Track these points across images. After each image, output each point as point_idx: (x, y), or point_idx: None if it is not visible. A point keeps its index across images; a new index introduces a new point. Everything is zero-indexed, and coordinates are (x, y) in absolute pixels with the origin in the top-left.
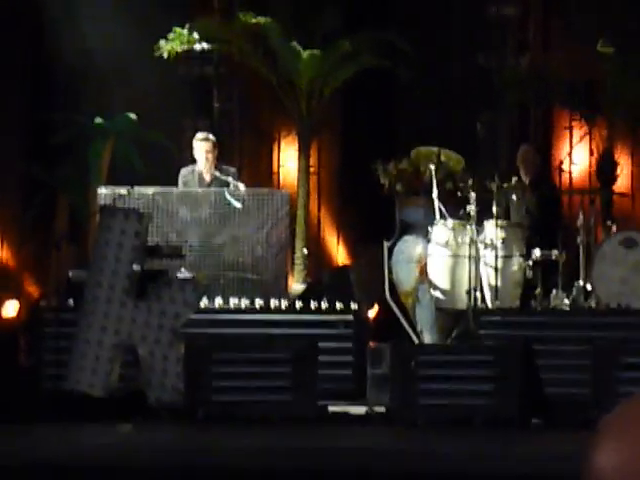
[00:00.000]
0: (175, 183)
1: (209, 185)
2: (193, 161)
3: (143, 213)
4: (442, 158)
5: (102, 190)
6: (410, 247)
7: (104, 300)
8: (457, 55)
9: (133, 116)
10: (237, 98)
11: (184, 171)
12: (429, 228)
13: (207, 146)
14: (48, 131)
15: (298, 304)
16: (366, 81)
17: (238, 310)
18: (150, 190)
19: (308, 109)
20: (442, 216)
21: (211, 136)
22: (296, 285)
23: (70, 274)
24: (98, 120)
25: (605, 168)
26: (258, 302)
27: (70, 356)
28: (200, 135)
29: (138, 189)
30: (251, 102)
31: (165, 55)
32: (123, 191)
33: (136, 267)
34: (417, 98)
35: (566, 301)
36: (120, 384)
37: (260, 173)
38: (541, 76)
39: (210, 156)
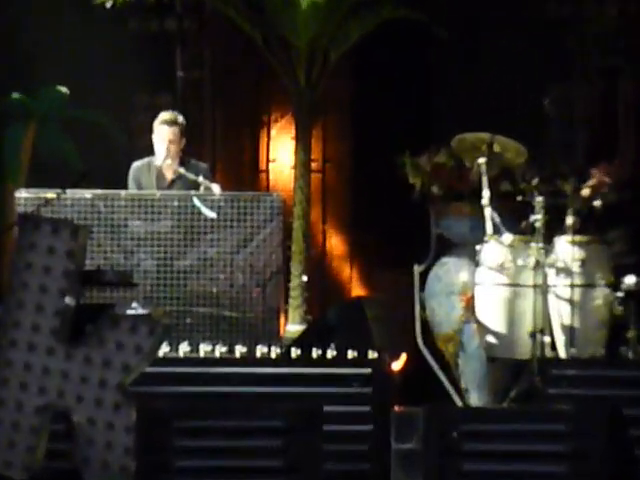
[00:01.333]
0: (123, 184)
1: (171, 186)
2: (149, 152)
3: (79, 225)
4: (496, 148)
5: (22, 193)
6: (451, 273)
7: (24, 346)
8: (516, 6)
9: (64, 90)
10: (209, 65)
11: (137, 166)
12: (477, 247)
13: (172, 132)
14: None
15: (294, 352)
16: (388, 42)
17: (211, 361)
18: (88, 193)
19: (308, 81)
20: (496, 229)
21: (180, 118)
22: (292, 325)
23: None
24: (15, 95)
25: None
26: (239, 349)
27: None
28: (163, 116)
29: (72, 192)
30: (229, 70)
31: (108, 4)
32: (51, 195)
33: (69, 300)
34: (460, 66)
35: None
36: (47, 463)
37: (242, 170)
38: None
39: (174, 146)
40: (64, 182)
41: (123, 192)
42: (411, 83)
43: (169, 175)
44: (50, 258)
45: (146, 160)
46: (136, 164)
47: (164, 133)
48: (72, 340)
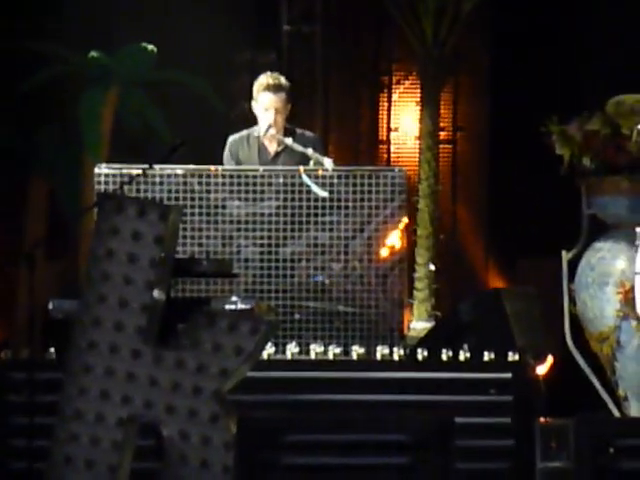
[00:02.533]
0: (221, 159)
1: (274, 161)
2: (251, 122)
3: (169, 206)
4: None
5: (102, 169)
6: (606, 260)
7: (106, 348)
8: None
9: (150, 48)
10: (321, 18)
11: (234, 140)
12: (637, 229)
13: (277, 99)
14: (16, 71)
15: (421, 354)
16: None
17: (323, 364)
18: (180, 169)
19: (436, 36)
20: None
21: (283, 80)
22: (418, 323)
23: (50, 305)
24: (94, 54)
25: None
26: (356, 351)
27: (51, 440)
28: (265, 79)
29: (161, 168)
30: (344, 25)
31: None
32: (136, 171)
33: (158, 294)
34: (617, 14)
35: None
36: None
37: (359, 141)
38: None
39: (279, 116)
40: (152, 156)
41: (220, 168)
42: (560, 36)
43: (272, 148)
44: (135, 245)
45: (245, 132)
46: (233, 137)
47: (267, 101)
48: (161, 341)
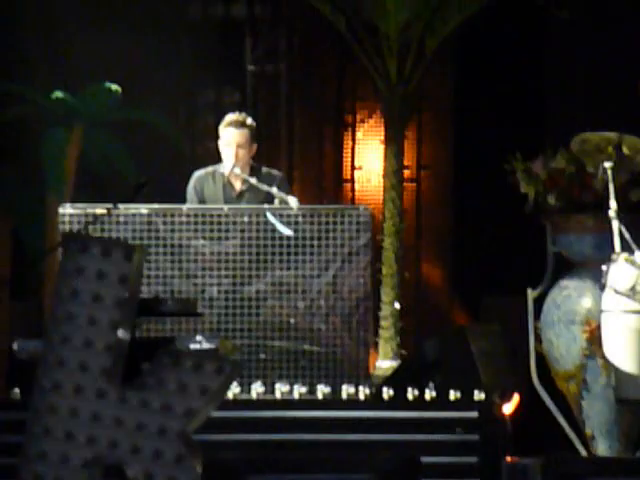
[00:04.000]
0: (185, 197)
1: (239, 199)
2: (215, 160)
3: (134, 246)
4: (624, 150)
5: (66, 208)
6: (571, 299)
7: (70, 389)
8: None
9: (115, 88)
10: (284, 56)
11: (199, 176)
12: (603, 267)
13: (240, 135)
14: None
15: (387, 393)
16: (494, 26)
17: (289, 404)
18: (145, 208)
19: (400, 74)
20: (625, 247)
21: (249, 120)
22: (383, 361)
23: (15, 345)
24: (58, 94)
25: None
26: (322, 390)
27: None
28: (230, 117)
29: (125, 207)
30: (307, 62)
31: None
32: (100, 210)
33: (122, 334)
34: (579, 53)
35: None
36: None
37: (322, 179)
38: None
39: (243, 152)
40: (116, 196)
41: (185, 207)
42: (521, 75)
43: (237, 186)
44: (100, 284)
45: (210, 169)
46: (198, 173)
47: (231, 137)
48: (126, 381)
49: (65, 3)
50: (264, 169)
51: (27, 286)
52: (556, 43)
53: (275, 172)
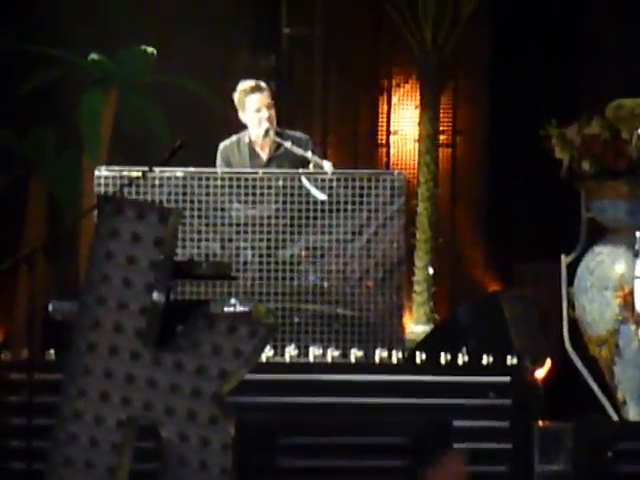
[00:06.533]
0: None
1: (267, 166)
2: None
3: (169, 209)
4: None
5: (102, 172)
6: (605, 264)
7: (105, 350)
8: None
9: (150, 51)
10: (320, 19)
11: (225, 146)
12: (637, 233)
13: (267, 97)
14: (15, 73)
15: (419, 357)
16: None
17: (322, 367)
18: (180, 172)
19: (436, 39)
20: None
21: (262, 83)
22: (416, 326)
23: (50, 307)
24: (95, 56)
25: None
26: (354, 354)
27: (51, 443)
28: (246, 84)
29: (160, 170)
30: (343, 28)
31: None
32: (136, 173)
33: (157, 296)
34: (616, 19)
35: None
36: None
37: (358, 144)
38: None
39: (273, 113)
40: (151, 159)
41: (220, 170)
42: (559, 40)
43: (265, 153)
44: (135, 247)
45: (234, 138)
46: (224, 143)
47: (259, 101)
48: (160, 343)
49: None
50: (289, 132)
51: (62, 248)
52: (593, 7)
53: (301, 135)
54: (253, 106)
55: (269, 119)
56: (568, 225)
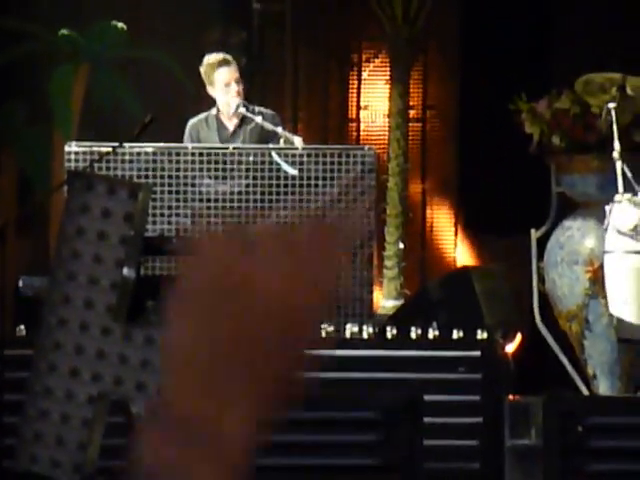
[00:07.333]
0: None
1: (234, 136)
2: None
3: (139, 184)
4: (629, 91)
5: (72, 147)
6: (574, 239)
7: (76, 326)
8: None
9: (120, 26)
10: None
11: (193, 123)
12: (606, 207)
13: (235, 71)
14: None
15: (390, 332)
16: None
17: None
18: (150, 147)
19: (406, 13)
20: (628, 187)
21: (229, 57)
22: (387, 301)
23: (20, 282)
24: (65, 32)
25: None
26: (325, 329)
27: (21, 419)
28: (215, 57)
29: (130, 145)
30: (312, 3)
31: None
32: (106, 149)
33: (127, 272)
34: None
35: None
36: (102, 462)
37: (327, 119)
38: None
39: (241, 86)
40: (122, 134)
41: (190, 145)
42: (527, 15)
43: (231, 124)
44: (105, 223)
45: (203, 115)
46: (192, 121)
47: (228, 75)
48: (131, 319)
49: None
50: (256, 108)
51: (33, 224)
52: None
53: (268, 111)
54: (222, 80)
55: (238, 93)
56: (538, 199)
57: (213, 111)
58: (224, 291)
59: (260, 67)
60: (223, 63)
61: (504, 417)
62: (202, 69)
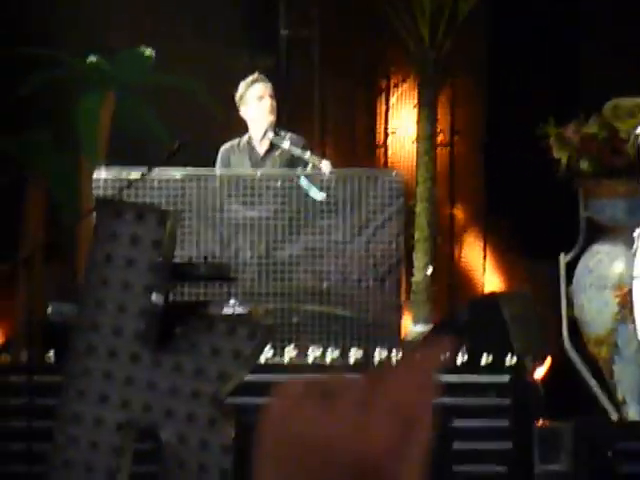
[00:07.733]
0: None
1: (264, 160)
2: (247, 125)
3: (167, 211)
4: None
5: (100, 174)
6: (603, 263)
7: (105, 352)
8: None
9: (148, 52)
10: (317, 20)
11: (225, 149)
12: (635, 232)
13: (269, 87)
14: (13, 75)
15: None
16: None
17: (321, 367)
18: (178, 173)
19: (433, 38)
20: None
21: (264, 76)
22: (415, 326)
23: (49, 309)
24: (93, 59)
25: None
26: (354, 354)
27: (51, 445)
28: (249, 78)
29: (159, 172)
30: (340, 26)
31: None
32: (135, 175)
33: (157, 298)
34: (615, 18)
35: None
36: None
37: (355, 145)
38: None
39: (274, 103)
40: (150, 160)
41: (218, 171)
42: (557, 39)
43: (262, 148)
44: (134, 249)
45: (235, 140)
46: (224, 146)
47: (262, 89)
48: (160, 345)
49: None
50: (284, 133)
51: (61, 250)
52: (593, 6)
53: (295, 135)
54: (256, 95)
55: (272, 108)
56: (566, 224)
57: (245, 137)
58: (305, 447)
59: (288, 92)
60: (257, 80)
61: (534, 442)
62: (238, 93)
